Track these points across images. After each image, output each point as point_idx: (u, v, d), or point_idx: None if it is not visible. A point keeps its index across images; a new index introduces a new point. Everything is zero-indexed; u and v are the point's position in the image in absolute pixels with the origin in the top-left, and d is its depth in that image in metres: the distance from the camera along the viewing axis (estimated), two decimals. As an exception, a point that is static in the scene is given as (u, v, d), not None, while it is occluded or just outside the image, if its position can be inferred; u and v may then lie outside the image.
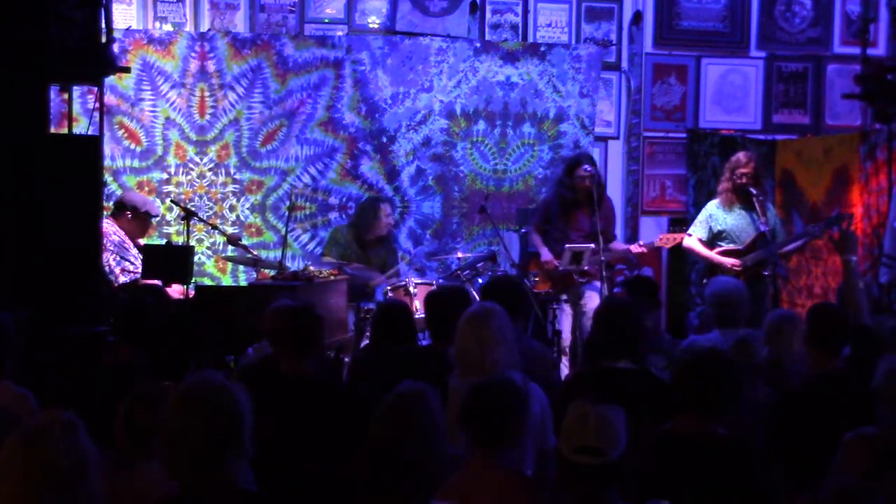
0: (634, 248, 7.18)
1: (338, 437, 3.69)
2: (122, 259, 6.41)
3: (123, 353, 4.42)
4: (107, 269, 6.24)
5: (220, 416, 2.54)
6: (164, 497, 2.74)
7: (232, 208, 8.02)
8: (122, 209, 6.62)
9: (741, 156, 6.93)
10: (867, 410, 3.46)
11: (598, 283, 6.92)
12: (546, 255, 7.07)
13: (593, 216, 6.94)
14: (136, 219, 6.60)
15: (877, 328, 4.61)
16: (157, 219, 7.26)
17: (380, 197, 7.81)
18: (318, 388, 3.96)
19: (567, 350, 6.94)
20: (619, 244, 7.32)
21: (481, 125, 8.25)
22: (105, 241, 6.35)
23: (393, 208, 7.85)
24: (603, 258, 6.77)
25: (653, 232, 8.21)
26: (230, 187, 8.01)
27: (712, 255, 6.87)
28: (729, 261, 6.74)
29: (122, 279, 6.36)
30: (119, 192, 7.73)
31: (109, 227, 6.44)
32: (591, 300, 6.92)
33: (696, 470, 3.23)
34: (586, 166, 7.03)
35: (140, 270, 6.29)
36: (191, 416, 2.53)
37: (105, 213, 6.32)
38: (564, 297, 7.01)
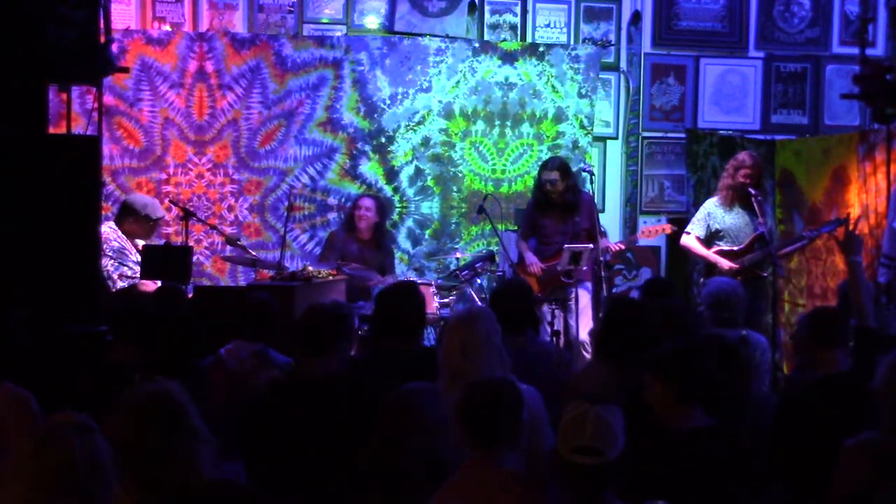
0: (613, 247, 7.13)
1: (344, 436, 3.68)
2: (120, 265, 6.37)
3: (121, 352, 4.40)
4: (104, 274, 6.23)
5: (157, 422, 2.68)
6: None
7: (230, 208, 8.02)
8: (124, 212, 6.60)
9: (745, 156, 6.92)
10: (870, 413, 3.45)
11: (589, 284, 6.96)
12: (530, 258, 7.12)
13: (572, 217, 6.99)
14: (138, 221, 6.57)
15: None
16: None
17: (365, 193, 7.81)
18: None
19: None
20: (605, 242, 7.16)
21: (480, 125, 8.24)
22: (104, 247, 6.33)
23: (391, 208, 7.91)
24: (603, 258, 6.80)
25: (651, 232, 8.21)
26: (229, 187, 8.00)
27: (709, 254, 6.88)
28: (726, 263, 6.73)
29: (121, 284, 6.33)
30: (118, 193, 7.74)
31: (111, 232, 6.41)
32: (582, 298, 6.95)
33: (682, 461, 3.27)
34: (547, 173, 7.06)
35: (139, 275, 6.28)
36: (133, 425, 2.67)
37: (105, 213, 6.31)
38: (552, 299, 6.92)
